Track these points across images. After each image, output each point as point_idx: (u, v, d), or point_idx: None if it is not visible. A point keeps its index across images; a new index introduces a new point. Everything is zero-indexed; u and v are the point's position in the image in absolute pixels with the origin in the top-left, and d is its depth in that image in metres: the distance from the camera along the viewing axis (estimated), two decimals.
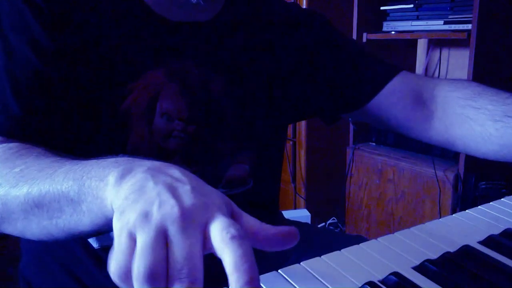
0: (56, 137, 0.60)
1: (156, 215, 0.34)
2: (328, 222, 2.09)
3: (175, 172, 0.39)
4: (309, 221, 2.04)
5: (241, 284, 0.30)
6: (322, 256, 0.49)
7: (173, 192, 0.36)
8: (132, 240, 0.33)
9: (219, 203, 0.36)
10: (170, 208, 0.34)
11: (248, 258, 0.31)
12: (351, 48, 0.80)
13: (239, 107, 0.70)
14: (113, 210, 0.38)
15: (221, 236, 0.33)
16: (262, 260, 0.38)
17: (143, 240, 0.32)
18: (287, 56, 0.76)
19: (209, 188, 0.38)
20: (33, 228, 0.48)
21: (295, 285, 0.44)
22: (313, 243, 0.77)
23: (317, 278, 0.45)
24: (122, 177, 0.38)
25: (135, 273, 0.31)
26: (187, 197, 0.35)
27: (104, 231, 0.43)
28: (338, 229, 2.06)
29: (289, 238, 0.35)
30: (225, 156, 0.70)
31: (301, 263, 0.48)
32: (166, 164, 0.40)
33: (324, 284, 0.44)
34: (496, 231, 0.57)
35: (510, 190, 1.39)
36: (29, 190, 0.46)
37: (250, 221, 0.36)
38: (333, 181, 2.02)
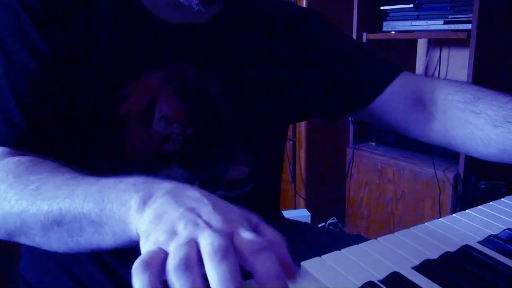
0: (59, 143, 0.60)
1: (183, 233, 0.35)
2: (328, 222, 2.09)
3: (195, 193, 0.40)
4: (309, 221, 2.04)
5: None
6: (322, 256, 0.49)
7: (196, 212, 0.38)
8: (163, 250, 0.35)
9: (240, 218, 0.38)
10: (196, 226, 0.36)
11: (276, 269, 0.34)
12: (351, 47, 0.80)
13: (238, 109, 0.70)
14: (138, 234, 0.40)
15: (248, 248, 0.34)
16: None
17: (175, 244, 0.34)
18: (286, 56, 0.76)
19: (229, 206, 0.40)
20: (52, 243, 0.50)
21: (295, 285, 0.44)
22: (313, 243, 0.77)
23: (317, 278, 0.45)
24: (144, 202, 0.40)
25: (171, 266, 0.33)
26: (209, 215, 0.37)
27: (128, 247, 0.45)
28: (338, 229, 2.06)
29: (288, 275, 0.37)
30: (223, 158, 0.70)
31: (301, 263, 0.47)
32: (184, 186, 0.42)
33: (324, 284, 0.44)
34: (496, 231, 0.57)
35: (510, 190, 1.39)
36: (49, 209, 0.47)
37: (270, 233, 0.38)
38: (333, 181, 2.03)
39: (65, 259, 0.68)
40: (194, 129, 0.66)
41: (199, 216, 0.37)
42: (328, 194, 2.06)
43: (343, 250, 0.51)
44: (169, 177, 0.66)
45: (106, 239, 0.45)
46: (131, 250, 0.43)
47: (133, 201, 0.41)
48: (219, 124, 0.68)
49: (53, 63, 0.59)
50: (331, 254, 0.50)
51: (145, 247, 0.37)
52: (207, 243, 0.34)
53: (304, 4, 1.92)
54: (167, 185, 0.42)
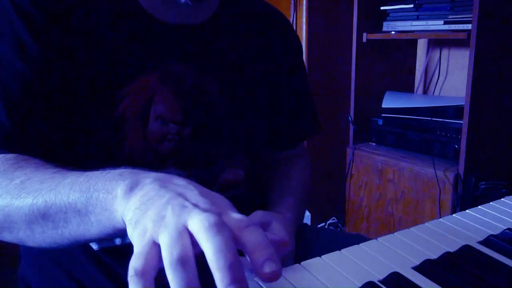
0: (51, 145, 0.60)
1: (172, 217, 0.35)
2: (328, 222, 2.09)
3: (180, 181, 0.41)
4: (309, 221, 2.04)
5: (263, 260, 0.34)
6: (322, 256, 0.49)
7: (183, 197, 0.38)
8: (155, 245, 0.35)
9: (225, 203, 0.39)
10: (183, 209, 0.36)
11: (265, 241, 0.35)
12: (302, 88, 0.84)
13: (236, 110, 0.70)
14: (123, 221, 0.40)
15: (237, 225, 0.35)
16: None
17: (167, 237, 0.34)
18: (280, 58, 0.77)
19: (214, 193, 0.40)
20: (36, 237, 0.49)
21: (295, 285, 0.44)
22: (313, 243, 0.77)
23: (317, 278, 0.45)
24: (130, 190, 0.40)
25: (167, 262, 0.33)
26: (197, 199, 0.38)
27: (109, 239, 0.45)
28: (338, 229, 2.06)
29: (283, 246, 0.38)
30: (219, 159, 0.70)
31: (301, 263, 0.47)
32: (170, 175, 0.42)
33: (324, 284, 0.44)
34: (496, 231, 0.57)
35: (510, 190, 1.39)
36: (34, 201, 0.47)
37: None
38: (333, 181, 2.02)
39: (65, 261, 0.68)
40: (191, 130, 0.66)
41: (187, 200, 0.37)
42: (328, 194, 2.06)
43: (343, 250, 0.51)
44: None
45: (91, 229, 0.44)
46: (130, 249, 0.43)
47: (120, 189, 0.41)
48: (217, 125, 0.68)
49: (47, 67, 0.58)
50: (331, 254, 0.50)
51: (134, 235, 0.36)
52: (199, 220, 0.34)
53: (304, 5, 1.92)
54: (154, 174, 0.42)
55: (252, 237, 0.35)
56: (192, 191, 0.39)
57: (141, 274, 0.33)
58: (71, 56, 0.60)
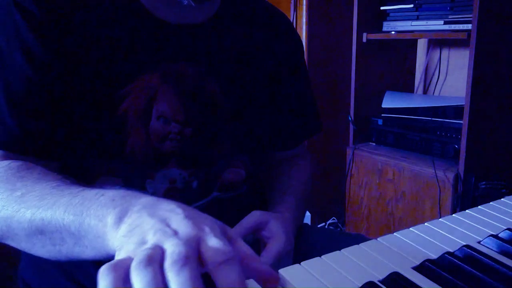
0: (54, 145, 0.60)
1: (151, 240, 0.36)
2: (328, 222, 2.09)
3: (169, 205, 0.41)
4: (309, 221, 2.04)
5: None
6: (322, 256, 0.49)
7: (166, 222, 0.38)
8: (131, 260, 0.35)
9: (212, 226, 0.38)
10: (164, 233, 0.36)
11: (238, 282, 0.33)
12: (303, 87, 0.84)
13: (236, 110, 0.70)
14: (114, 249, 0.40)
15: (212, 259, 0.34)
16: None
17: (138, 258, 0.34)
18: (280, 57, 0.77)
19: (203, 215, 0.40)
20: (37, 249, 0.50)
21: (295, 286, 0.44)
22: (313, 243, 0.77)
23: (317, 278, 0.45)
24: (120, 218, 0.41)
25: (133, 264, 0.33)
26: (179, 223, 0.38)
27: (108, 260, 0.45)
28: (338, 229, 2.06)
29: (269, 282, 0.38)
30: (220, 159, 0.70)
31: (301, 263, 0.47)
32: (160, 200, 0.42)
33: (324, 284, 0.44)
34: (496, 231, 0.56)
35: (510, 190, 1.39)
36: (32, 217, 0.48)
37: (243, 247, 0.38)
38: (333, 181, 2.02)
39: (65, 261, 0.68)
40: (192, 129, 0.66)
41: (168, 225, 0.37)
42: (328, 194, 2.06)
43: (343, 250, 0.50)
44: (166, 177, 0.66)
45: (86, 251, 0.45)
46: None
47: (110, 218, 0.41)
48: (218, 124, 0.68)
49: (50, 66, 0.59)
50: (331, 254, 0.49)
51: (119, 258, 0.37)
52: (169, 251, 0.34)
53: (304, 5, 1.92)
54: (144, 200, 0.42)
55: (224, 278, 0.33)
56: (177, 215, 0.39)
57: (113, 268, 0.33)
58: (73, 55, 0.60)
